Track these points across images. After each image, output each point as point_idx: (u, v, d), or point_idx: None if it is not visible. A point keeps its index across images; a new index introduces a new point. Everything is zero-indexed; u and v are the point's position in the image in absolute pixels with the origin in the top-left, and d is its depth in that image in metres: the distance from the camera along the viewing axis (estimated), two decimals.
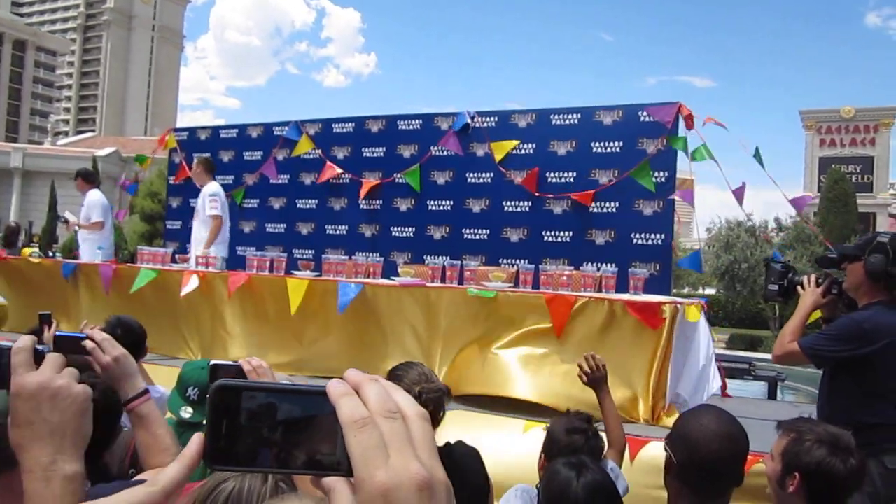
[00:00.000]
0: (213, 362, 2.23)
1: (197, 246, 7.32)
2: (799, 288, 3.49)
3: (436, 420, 2.54)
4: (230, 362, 2.12)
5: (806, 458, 2.04)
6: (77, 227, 8.57)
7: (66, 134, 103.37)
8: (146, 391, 1.80)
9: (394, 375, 2.62)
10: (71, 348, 1.80)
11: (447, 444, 2.66)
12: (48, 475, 1.04)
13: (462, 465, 2.61)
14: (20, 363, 1.09)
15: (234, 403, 0.63)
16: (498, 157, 6.80)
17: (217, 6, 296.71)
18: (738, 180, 5.89)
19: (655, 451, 3.82)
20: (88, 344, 1.78)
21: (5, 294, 7.36)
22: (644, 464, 3.77)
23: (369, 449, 0.56)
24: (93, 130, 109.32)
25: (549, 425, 2.75)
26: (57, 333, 1.91)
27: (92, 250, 7.78)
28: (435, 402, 2.50)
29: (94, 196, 8.52)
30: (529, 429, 4.21)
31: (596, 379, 3.08)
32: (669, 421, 4.43)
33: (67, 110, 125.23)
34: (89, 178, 8.83)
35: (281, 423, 0.63)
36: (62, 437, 1.07)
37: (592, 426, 2.70)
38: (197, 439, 0.70)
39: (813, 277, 3.45)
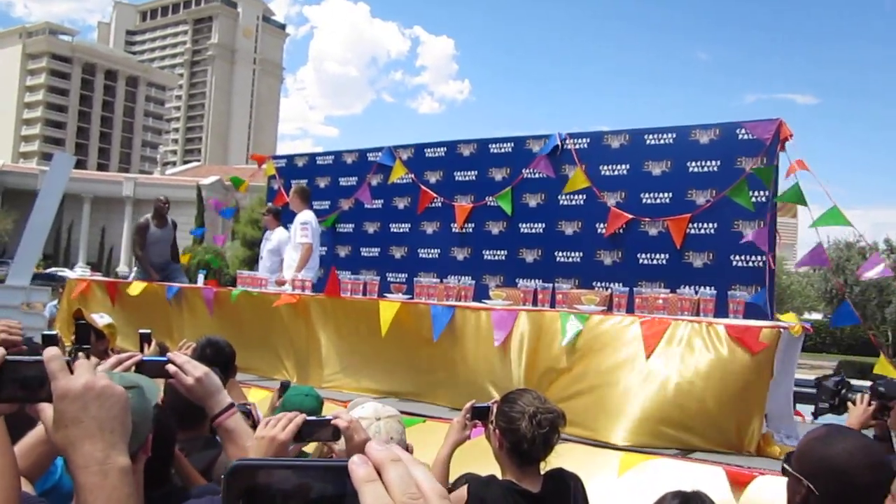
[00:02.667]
0: (308, 418, 2.01)
1: (287, 270, 7.53)
2: (850, 404, 3.28)
3: (549, 444, 2.51)
4: (322, 418, 2.04)
5: None
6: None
7: (174, 164, 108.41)
8: (232, 405, 1.86)
9: (507, 399, 2.63)
10: (155, 372, 1.89)
11: (556, 471, 2.64)
12: (105, 469, 1.10)
13: (573, 488, 2.59)
14: (57, 369, 1.14)
15: (251, 484, 0.63)
16: (568, 188, 6.73)
17: (315, 38, 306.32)
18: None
19: (763, 484, 3.66)
20: (171, 368, 1.85)
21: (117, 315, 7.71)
22: (752, 501, 3.61)
23: None
24: (198, 160, 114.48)
25: None
26: (143, 358, 1.97)
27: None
28: (550, 422, 2.47)
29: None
30: (625, 471, 4.07)
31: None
32: (771, 450, 4.24)
33: (175, 141, 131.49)
34: (278, 215, 8.74)
35: (310, 502, 0.63)
36: (111, 432, 1.12)
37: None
38: None
39: (866, 398, 3.20)
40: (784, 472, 1.96)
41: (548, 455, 2.57)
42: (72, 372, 1.15)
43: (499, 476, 2.60)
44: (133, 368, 1.91)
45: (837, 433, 1.93)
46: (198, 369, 1.86)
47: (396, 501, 0.58)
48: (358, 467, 0.61)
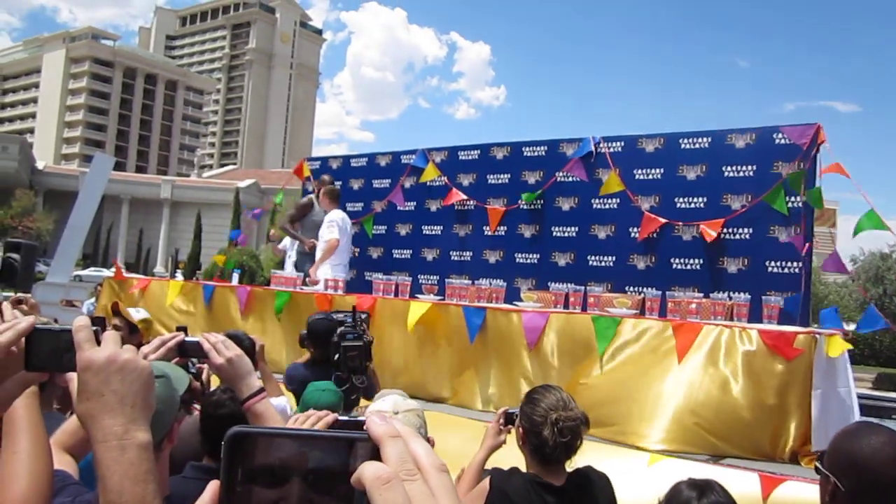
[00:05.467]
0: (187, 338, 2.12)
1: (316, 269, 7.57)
2: None
3: (572, 449, 2.51)
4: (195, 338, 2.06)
5: None
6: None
7: (211, 167, 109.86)
8: (262, 390, 1.89)
9: (531, 399, 2.63)
10: (193, 352, 1.99)
11: (581, 469, 2.64)
12: (123, 444, 1.08)
13: (597, 486, 2.59)
14: (84, 339, 1.13)
15: (250, 450, 0.62)
16: (603, 191, 6.71)
17: (353, 44, 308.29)
18: (879, 208, 5.45)
19: (791, 491, 3.60)
20: (205, 344, 1.91)
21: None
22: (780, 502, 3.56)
23: None
24: (234, 164, 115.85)
25: None
26: (184, 338, 2.05)
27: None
28: (572, 430, 2.46)
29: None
30: (655, 462, 4.05)
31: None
32: (808, 461, 4.16)
33: (212, 145, 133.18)
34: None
35: (309, 473, 0.62)
36: (132, 407, 1.10)
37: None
38: (212, 488, 0.68)
39: None
40: (817, 471, 1.93)
41: (571, 456, 2.57)
42: (99, 344, 1.14)
43: (523, 469, 2.61)
44: (176, 348, 1.98)
45: (867, 428, 1.86)
46: (231, 350, 1.90)
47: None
48: (377, 424, 0.61)
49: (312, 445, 0.63)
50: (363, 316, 4.01)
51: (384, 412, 2.54)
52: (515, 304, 5.68)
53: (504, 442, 2.82)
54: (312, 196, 8.35)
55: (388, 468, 0.58)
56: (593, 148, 6.91)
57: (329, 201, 7.91)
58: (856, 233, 5.52)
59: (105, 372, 1.10)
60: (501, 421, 2.81)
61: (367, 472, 0.58)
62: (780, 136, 5.98)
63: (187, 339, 2.05)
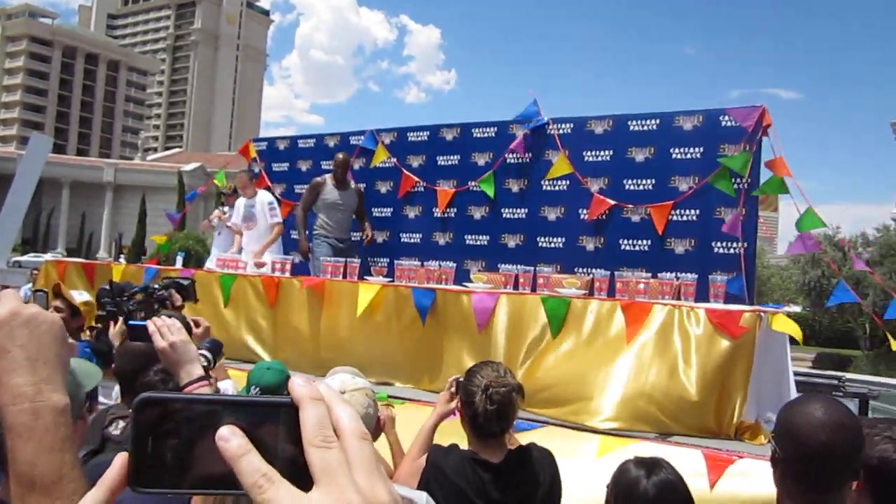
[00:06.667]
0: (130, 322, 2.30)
1: (250, 250, 7.52)
2: None
3: (505, 418, 2.49)
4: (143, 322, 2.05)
5: (869, 453, 1.80)
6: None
7: (155, 150, 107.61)
8: (202, 378, 1.86)
9: (469, 372, 2.64)
10: (140, 334, 1.97)
11: (524, 446, 2.65)
12: (36, 406, 0.96)
13: (538, 463, 2.58)
14: None
15: (162, 417, 0.57)
16: (551, 174, 6.72)
17: (301, 26, 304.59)
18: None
19: (744, 467, 3.65)
20: (150, 327, 1.88)
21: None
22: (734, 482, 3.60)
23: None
24: (180, 146, 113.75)
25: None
26: (130, 322, 2.05)
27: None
28: (503, 396, 2.45)
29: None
30: (605, 454, 4.04)
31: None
32: (759, 439, 4.23)
33: (157, 127, 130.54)
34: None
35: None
36: (44, 363, 0.99)
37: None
38: (119, 460, 0.62)
39: None
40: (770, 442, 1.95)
41: (507, 428, 2.57)
42: None
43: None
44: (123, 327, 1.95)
45: (808, 399, 1.87)
46: (175, 335, 1.87)
47: (307, 443, 0.54)
48: (227, 441, 0.55)
49: (231, 412, 0.57)
50: (185, 283, 4.15)
51: None
52: (465, 286, 5.66)
53: (454, 410, 2.80)
54: (328, 176, 7.62)
55: (259, 467, 0.53)
56: (546, 125, 6.89)
57: (249, 184, 7.92)
58: (799, 228, 5.68)
59: (8, 326, 0.99)
60: (453, 389, 2.79)
61: (244, 474, 0.53)
62: (726, 118, 6.04)
63: (135, 322, 2.05)
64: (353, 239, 7.79)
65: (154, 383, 2.34)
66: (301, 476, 0.53)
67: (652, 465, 2.18)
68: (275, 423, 0.56)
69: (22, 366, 0.98)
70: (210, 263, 8.25)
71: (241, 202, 7.97)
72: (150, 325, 1.90)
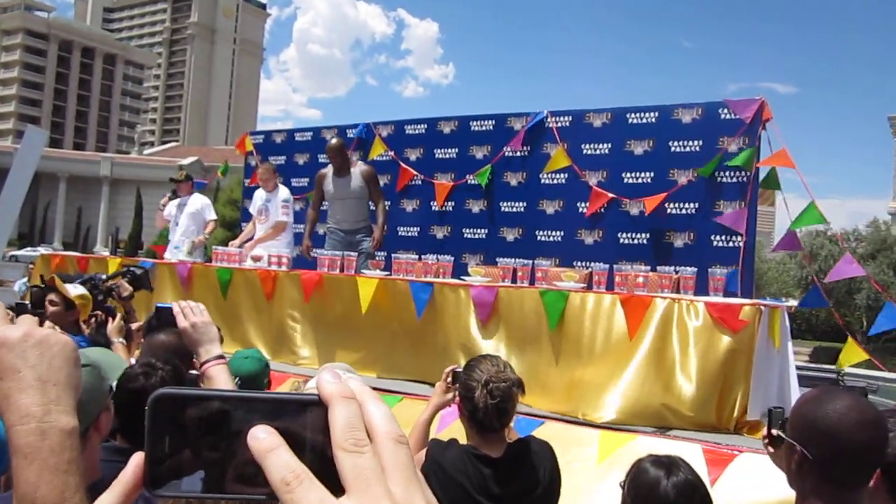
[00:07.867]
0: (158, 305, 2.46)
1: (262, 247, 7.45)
2: None
3: (505, 413, 2.47)
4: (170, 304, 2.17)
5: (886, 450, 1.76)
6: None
7: (152, 144, 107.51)
8: (220, 356, 2.00)
9: (468, 366, 2.61)
10: (167, 316, 2.11)
11: (524, 438, 2.63)
12: (43, 427, 0.95)
13: (538, 456, 2.56)
14: None
15: (179, 414, 0.53)
16: (549, 167, 6.69)
17: (298, 20, 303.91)
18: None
19: (745, 462, 3.62)
20: (175, 307, 2.03)
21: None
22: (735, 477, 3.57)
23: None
24: (177, 140, 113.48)
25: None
26: (158, 305, 2.27)
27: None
28: (503, 392, 2.43)
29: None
30: (605, 458, 3.97)
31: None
32: (754, 433, 4.20)
33: (153, 121, 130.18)
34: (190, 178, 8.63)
35: (236, 435, 0.52)
36: (54, 385, 0.98)
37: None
38: (135, 461, 0.58)
39: None
40: (772, 442, 1.89)
41: (508, 423, 2.54)
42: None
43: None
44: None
45: (830, 394, 1.81)
46: (197, 316, 2.01)
47: (337, 447, 0.49)
48: (258, 437, 0.50)
49: (254, 409, 0.53)
50: (138, 272, 4.47)
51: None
52: (463, 279, 5.62)
53: (451, 401, 2.77)
54: (329, 167, 7.24)
55: (289, 463, 0.49)
56: (544, 119, 6.86)
57: (272, 177, 7.83)
58: (794, 226, 5.67)
59: (21, 347, 0.99)
60: (449, 379, 2.76)
61: (272, 471, 0.49)
62: (724, 111, 6.02)
63: (162, 305, 2.24)
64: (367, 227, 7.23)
65: (135, 376, 2.29)
66: (330, 482, 0.49)
67: (670, 465, 2.14)
68: (301, 424, 0.52)
69: (32, 386, 0.97)
70: (168, 254, 8.19)
71: (259, 194, 7.86)
72: (175, 306, 2.04)
